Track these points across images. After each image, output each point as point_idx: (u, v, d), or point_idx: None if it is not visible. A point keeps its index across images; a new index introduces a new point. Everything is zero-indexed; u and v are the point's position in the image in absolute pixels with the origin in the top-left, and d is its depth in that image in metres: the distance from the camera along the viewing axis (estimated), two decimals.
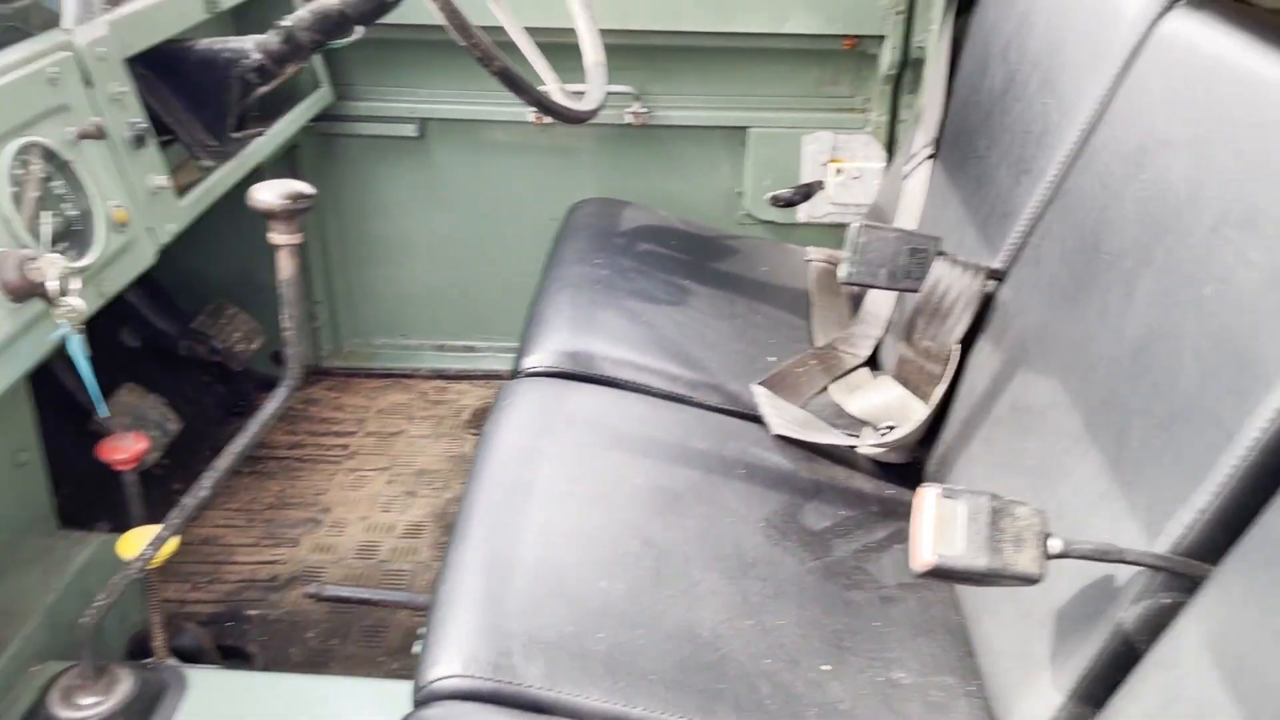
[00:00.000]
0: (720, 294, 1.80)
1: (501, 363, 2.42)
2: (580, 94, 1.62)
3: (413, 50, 2.19)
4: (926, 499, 0.89)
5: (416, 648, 1.59)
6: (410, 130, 2.29)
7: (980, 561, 0.87)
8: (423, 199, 2.37)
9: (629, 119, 2.22)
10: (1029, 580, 0.88)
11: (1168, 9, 1.22)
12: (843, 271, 1.41)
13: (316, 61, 2.17)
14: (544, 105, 1.46)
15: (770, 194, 2.27)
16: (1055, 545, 0.88)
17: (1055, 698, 0.95)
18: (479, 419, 2.28)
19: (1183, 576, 0.87)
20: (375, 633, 1.73)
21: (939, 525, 0.88)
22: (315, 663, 1.66)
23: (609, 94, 1.69)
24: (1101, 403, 1.05)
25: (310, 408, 2.34)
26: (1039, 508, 0.89)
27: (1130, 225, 1.11)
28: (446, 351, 2.51)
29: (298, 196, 1.07)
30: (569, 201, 2.12)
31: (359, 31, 1.60)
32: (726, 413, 1.49)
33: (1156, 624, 0.88)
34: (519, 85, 1.36)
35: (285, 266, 1.10)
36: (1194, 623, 0.82)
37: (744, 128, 2.25)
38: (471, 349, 2.51)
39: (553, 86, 1.58)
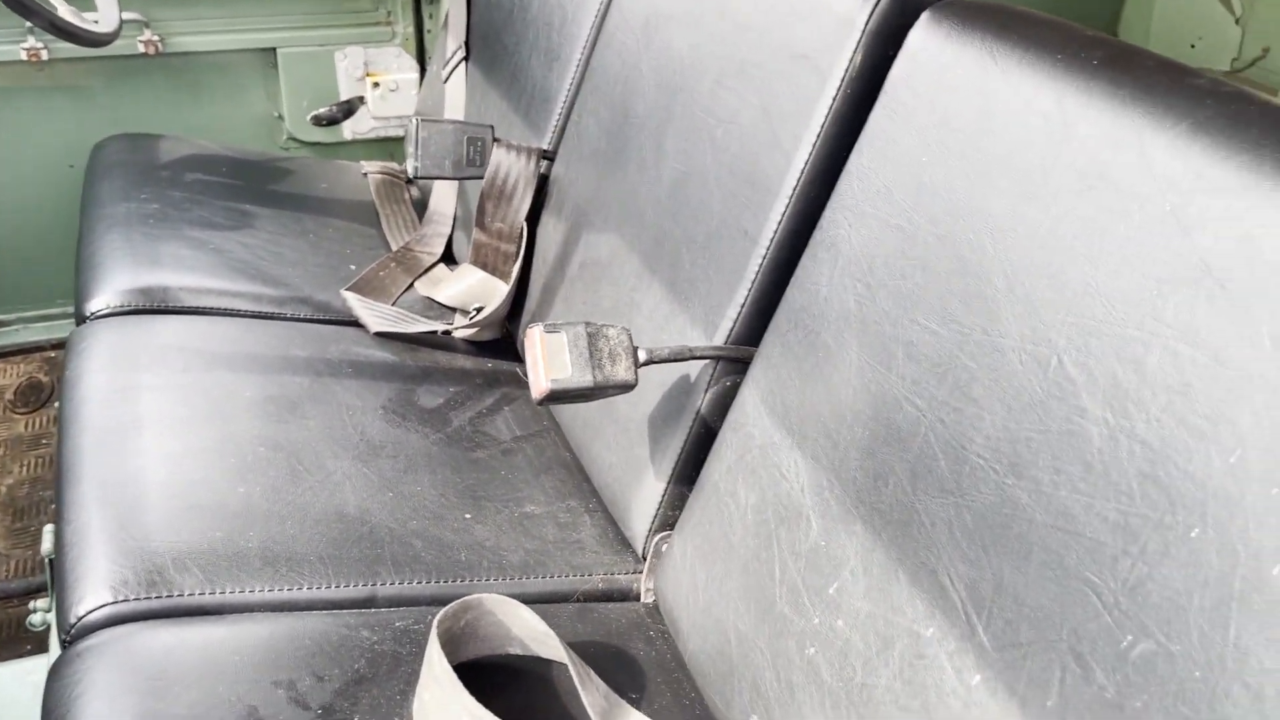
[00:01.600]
0: (286, 214, 1.79)
1: (37, 333, 2.20)
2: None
3: None
4: (533, 336, 1.02)
5: (34, 619, 1.47)
6: None
7: (587, 378, 1.01)
8: None
9: (141, 48, 2.07)
10: (628, 387, 1.04)
11: None
12: (410, 167, 1.48)
13: None
14: (58, 28, 1.35)
15: (311, 114, 2.25)
16: (642, 355, 1.05)
17: (659, 486, 1.14)
18: (30, 394, 2.07)
19: (738, 360, 1.08)
20: None
21: (548, 356, 1.01)
22: None
23: None
24: (654, 242, 1.23)
25: None
26: (625, 327, 1.05)
27: (650, 90, 1.30)
28: None
29: None
30: (88, 145, 1.96)
31: None
32: (321, 321, 1.51)
33: (724, 403, 1.09)
34: (27, 5, 1.25)
35: None
36: (750, 390, 1.03)
37: (272, 49, 2.20)
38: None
39: (63, 8, 1.45)
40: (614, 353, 1.03)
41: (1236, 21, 2.70)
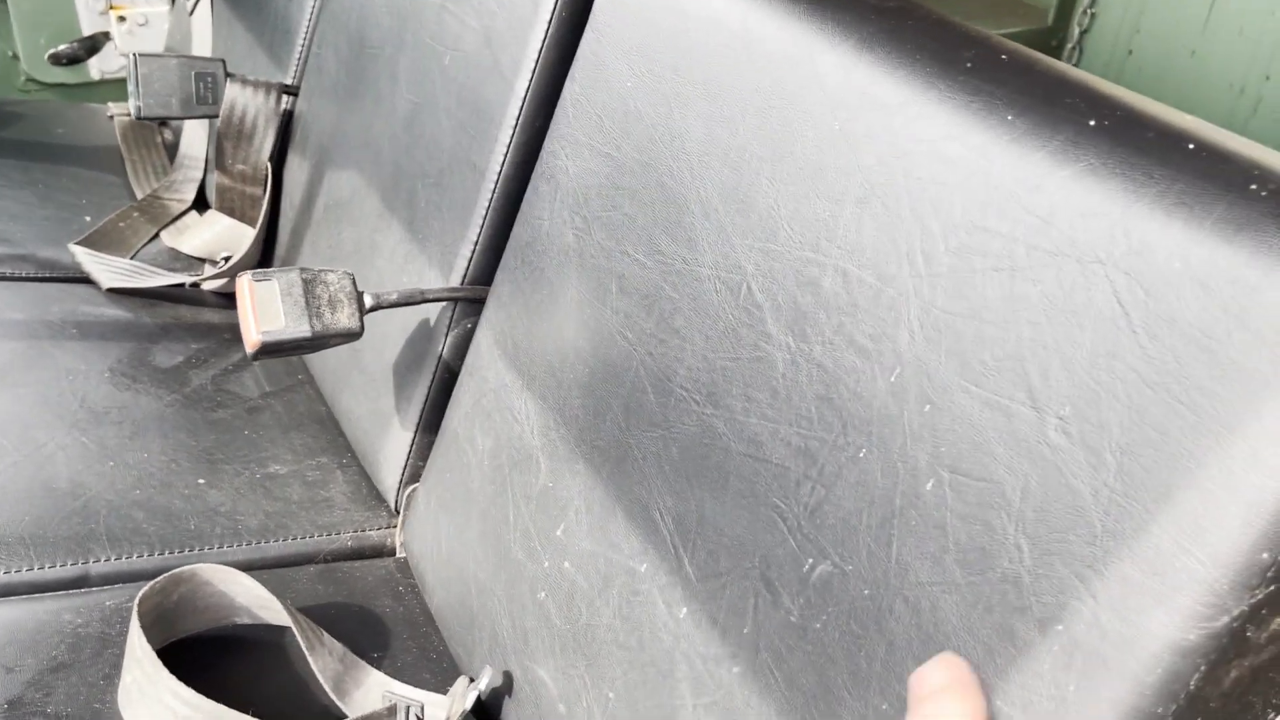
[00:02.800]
0: (12, 163, 1.63)
1: None
2: None
3: None
4: (241, 287, 0.95)
5: None
6: None
7: (304, 329, 0.95)
8: None
9: None
10: (353, 335, 0.98)
11: None
12: (133, 106, 1.36)
13: None
14: None
15: (49, 52, 2.05)
16: (369, 300, 0.99)
17: (405, 436, 1.09)
18: None
19: (474, 301, 1.04)
20: None
21: (258, 307, 0.94)
22: None
23: None
24: (392, 180, 1.17)
25: None
26: (347, 271, 0.99)
27: (384, 18, 1.22)
28: None
29: None
30: None
31: None
32: (44, 279, 1.38)
33: (464, 345, 1.04)
34: None
35: None
36: (484, 332, 0.99)
37: None
38: None
39: None
40: (334, 299, 0.97)
41: None
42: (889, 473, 0.60)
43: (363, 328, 0.98)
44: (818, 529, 0.64)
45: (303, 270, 0.96)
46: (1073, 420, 0.51)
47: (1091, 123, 0.54)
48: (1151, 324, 0.49)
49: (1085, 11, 2.58)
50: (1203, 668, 0.45)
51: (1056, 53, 2.63)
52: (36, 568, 0.94)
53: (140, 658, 0.80)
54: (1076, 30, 2.61)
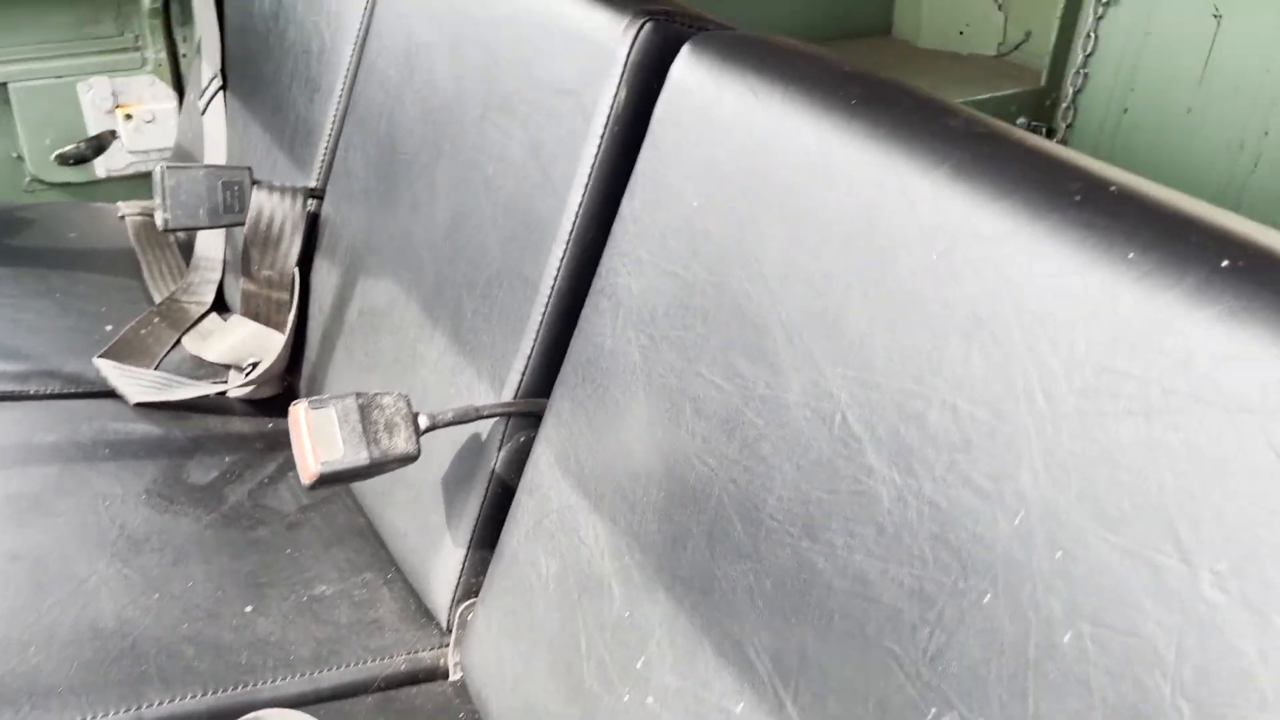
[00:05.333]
0: (27, 271, 1.60)
1: None
2: None
3: None
4: (298, 415, 0.92)
5: None
6: None
7: (362, 456, 0.93)
8: None
9: None
10: (410, 459, 0.96)
11: None
12: (160, 219, 1.34)
13: None
14: None
15: (57, 153, 2.04)
16: (424, 422, 0.97)
17: (458, 553, 1.06)
18: None
19: (529, 415, 1.02)
20: None
21: (315, 435, 0.92)
22: None
23: None
24: (434, 289, 1.15)
25: None
26: (402, 393, 0.97)
27: (416, 125, 1.21)
28: None
29: None
30: None
31: None
32: (72, 396, 1.36)
33: (520, 459, 1.02)
34: None
35: None
36: (543, 449, 0.97)
37: (2, 84, 1.97)
38: None
39: None
40: (391, 423, 0.95)
41: (999, 7, 2.83)
42: (1019, 620, 0.58)
43: (419, 450, 0.96)
44: (940, 677, 0.61)
45: (359, 395, 0.94)
46: (1230, 576, 0.49)
47: (1224, 263, 0.52)
48: None
49: (1078, 71, 2.61)
50: None
51: (1051, 113, 2.66)
52: (89, 718, 0.90)
53: None
54: (1070, 90, 2.64)
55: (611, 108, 0.93)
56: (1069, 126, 2.66)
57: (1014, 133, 0.67)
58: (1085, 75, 2.60)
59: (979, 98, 2.58)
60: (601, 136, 0.94)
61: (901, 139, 0.69)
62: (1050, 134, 2.66)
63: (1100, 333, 0.56)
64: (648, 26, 0.91)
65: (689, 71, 0.87)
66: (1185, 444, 0.52)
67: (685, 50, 0.88)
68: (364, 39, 1.36)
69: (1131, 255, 0.55)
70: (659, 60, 0.91)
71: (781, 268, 0.75)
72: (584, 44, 0.96)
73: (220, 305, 1.64)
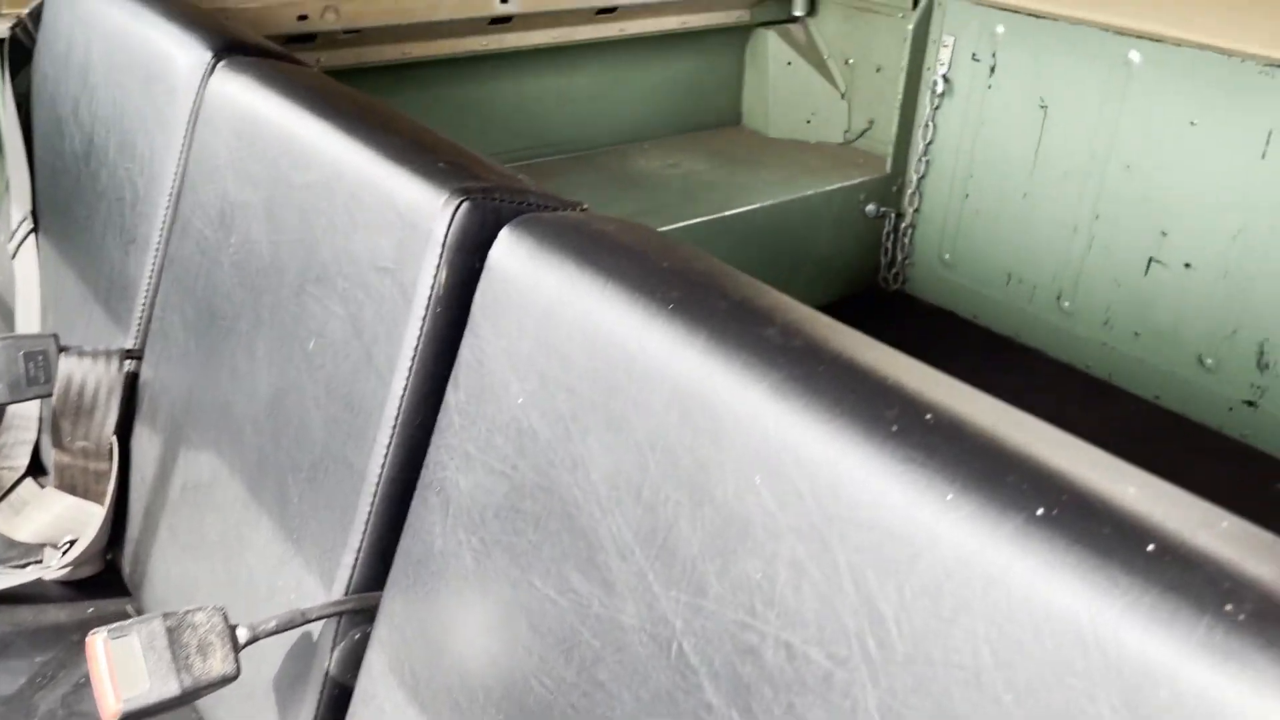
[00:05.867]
0: None
1: None
2: None
3: None
4: (95, 648, 0.83)
5: None
6: None
7: (171, 687, 0.84)
8: None
9: None
10: (228, 680, 0.87)
11: (211, 70, 1.26)
12: None
13: None
14: None
15: None
16: (243, 634, 0.89)
17: None
18: None
19: (362, 611, 0.94)
20: None
21: (116, 670, 0.83)
22: None
23: None
24: (257, 466, 1.08)
25: None
26: (217, 605, 0.89)
27: (235, 289, 1.14)
28: None
29: None
30: None
31: None
32: None
33: (355, 659, 0.94)
34: None
35: None
36: (377, 654, 0.90)
37: None
38: None
39: None
40: (205, 643, 0.87)
41: (842, 97, 2.91)
42: None
43: (238, 669, 0.88)
44: None
45: (166, 616, 0.86)
46: None
47: (1040, 511, 0.51)
48: None
49: (921, 159, 2.70)
50: None
51: (899, 198, 2.74)
52: None
53: None
54: (915, 176, 2.72)
55: (432, 289, 0.89)
56: (916, 211, 2.75)
57: (830, 342, 0.65)
58: (927, 162, 2.70)
59: (830, 187, 2.65)
60: (423, 319, 0.89)
61: (718, 351, 0.66)
62: (899, 218, 2.73)
63: (925, 575, 0.53)
64: (465, 206, 0.87)
65: (508, 255, 0.83)
66: (1018, 704, 0.49)
67: (504, 234, 0.84)
68: (179, 191, 1.29)
69: (950, 497, 0.53)
70: (478, 240, 0.87)
71: (610, 477, 0.71)
72: (400, 221, 0.92)
73: (37, 467, 1.51)
